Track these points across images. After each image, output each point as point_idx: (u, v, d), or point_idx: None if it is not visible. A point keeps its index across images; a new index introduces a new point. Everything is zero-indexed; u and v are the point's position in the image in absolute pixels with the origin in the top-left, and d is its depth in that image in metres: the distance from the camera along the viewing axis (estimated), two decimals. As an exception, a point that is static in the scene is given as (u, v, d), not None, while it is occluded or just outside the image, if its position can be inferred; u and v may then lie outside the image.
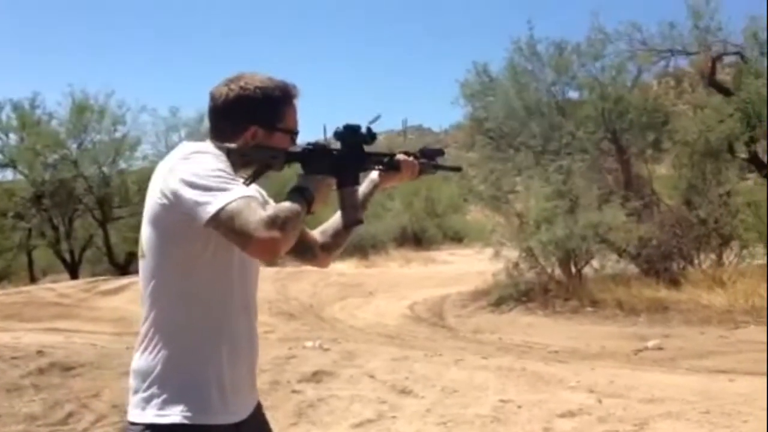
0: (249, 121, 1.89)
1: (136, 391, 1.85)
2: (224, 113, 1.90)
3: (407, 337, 10.13)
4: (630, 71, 14.16)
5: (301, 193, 1.80)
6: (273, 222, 1.63)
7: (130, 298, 14.19)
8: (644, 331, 9.39)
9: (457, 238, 29.86)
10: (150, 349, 1.84)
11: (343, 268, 20.74)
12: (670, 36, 14.03)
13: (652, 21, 22.16)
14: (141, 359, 1.86)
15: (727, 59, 13.83)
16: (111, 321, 12.18)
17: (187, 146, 1.89)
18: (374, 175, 2.17)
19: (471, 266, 16.51)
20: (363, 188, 2.14)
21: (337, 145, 1.96)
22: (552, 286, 11.45)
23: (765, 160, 13.02)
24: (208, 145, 1.88)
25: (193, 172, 1.73)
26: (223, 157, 1.80)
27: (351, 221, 2.00)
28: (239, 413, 1.89)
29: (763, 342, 8.62)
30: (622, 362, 7.94)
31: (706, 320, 9.58)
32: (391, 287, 15.95)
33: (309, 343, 7.74)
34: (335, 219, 2.18)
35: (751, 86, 12.58)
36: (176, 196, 1.73)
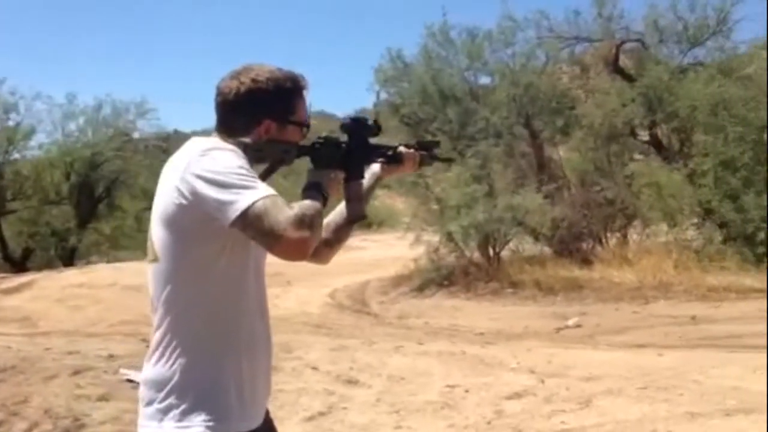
0: (262, 115, 1.81)
1: (149, 402, 1.76)
2: (236, 107, 1.82)
3: (333, 325, 10.10)
4: (539, 58, 14.60)
5: (317, 190, 1.75)
6: (302, 221, 1.58)
7: (34, 296, 13.50)
8: (563, 310, 9.76)
9: (367, 224, 29.99)
10: (166, 357, 1.75)
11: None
12: (576, 23, 14.60)
13: (559, 9, 22.91)
14: (156, 368, 1.77)
15: (629, 46, 14.46)
16: (16, 321, 11.48)
17: (200, 142, 1.81)
18: (376, 167, 2.13)
19: (386, 252, 16.63)
20: (366, 181, 2.10)
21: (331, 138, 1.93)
22: (472, 269, 11.70)
23: (665, 142, 13.73)
24: (221, 141, 1.79)
25: (213, 169, 1.64)
26: (240, 153, 1.73)
27: (357, 215, 1.97)
28: (256, 418, 1.85)
29: (673, 316, 9.19)
30: (545, 341, 8.23)
31: (618, 297, 10.06)
32: (310, 275, 15.76)
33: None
34: (337, 213, 2.14)
35: (652, 72, 13.25)
36: (196, 194, 1.64)
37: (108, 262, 19.20)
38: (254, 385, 1.83)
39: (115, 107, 23.48)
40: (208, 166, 1.66)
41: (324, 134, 1.94)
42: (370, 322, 10.35)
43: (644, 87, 13.27)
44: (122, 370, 5.86)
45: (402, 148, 2.13)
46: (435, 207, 12.58)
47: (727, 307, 9.32)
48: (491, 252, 12.05)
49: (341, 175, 1.88)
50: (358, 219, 2.01)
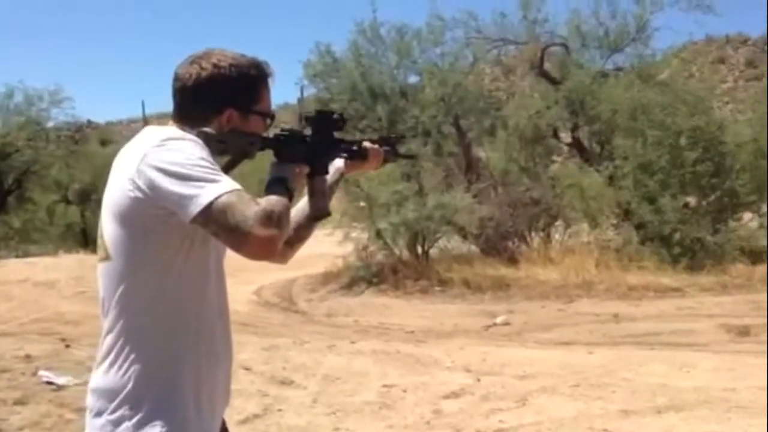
0: (224, 104, 1.69)
1: (99, 413, 1.63)
2: (195, 95, 1.69)
3: (261, 323, 9.90)
4: (467, 58, 14.75)
5: (283, 185, 1.65)
6: (270, 218, 1.47)
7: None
8: (491, 308, 9.89)
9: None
10: (119, 363, 1.62)
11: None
12: (502, 25, 14.80)
13: (487, 10, 23.25)
14: (107, 376, 1.63)
15: (554, 50, 14.78)
16: None
17: (157, 131, 1.68)
18: (340, 163, 2.03)
19: (314, 249, 16.42)
20: (330, 177, 2.01)
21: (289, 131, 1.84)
22: (401, 267, 11.70)
23: (586, 145, 14.13)
24: (179, 131, 1.66)
25: (172, 160, 1.52)
26: (202, 144, 1.61)
27: (321, 212, 1.88)
28: (213, 425, 1.74)
29: (596, 313, 9.45)
30: (475, 339, 8.31)
31: (544, 295, 10.27)
32: (233, 271, 14.97)
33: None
34: (299, 210, 2.02)
35: (575, 76, 13.60)
36: (154, 187, 1.52)
37: (18, 256, 18.23)
38: (213, 393, 1.72)
39: (28, 95, 22.32)
40: (167, 157, 1.53)
41: (288, 126, 1.85)
42: (298, 321, 10.21)
43: (567, 90, 13.62)
44: (41, 372, 5.53)
45: (367, 144, 2.05)
46: (364, 204, 12.51)
47: (647, 305, 9.67)
48: (420, 250, 12.10)
49: (305, 170, 1.78)
50: (322, 216, 1.92)
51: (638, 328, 8.65)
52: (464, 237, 12.43)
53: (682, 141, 11.70)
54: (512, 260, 11.77)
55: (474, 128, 14.08)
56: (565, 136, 14.33)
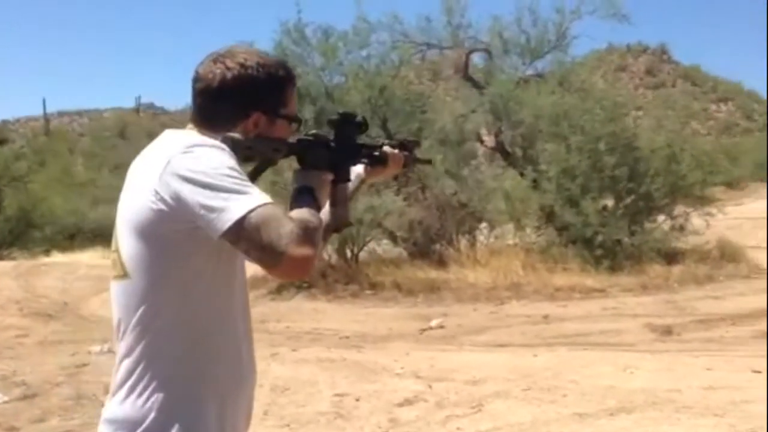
0: (251, 107, 1.58)
1: None
2: (220, 97, 1.56)
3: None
4: (393, 61, 14.76)
5: (311, 194, 1.55)
6: (305, 236, 1.36)
7: None
8: (424, 311, 9.91)
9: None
10: (139, 391, 1.48)
11: (86, 258, 19.07)
12: (427, 30, 14.93)
13: (412, 14, 23.44)
14: (126, 405, 1.49)
15: (480, 55, 15.04)
16: None
17: (180, 136, 1.54)
18: (360, 169, 1.95)
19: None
20: (351, 184, 1.91)
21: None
22: (330, 271, 11.57)
23: (509, 149, 14.42)
24: (203, 136, 1.52)
25: (200, 169, 1.39)
26: (229, 151, 1.48)
27: (343, 221, 1.80)
28: None
29: (527, 315, 9.63)
30: (411, 342, 8.29)
31: (475, 297, 10.38)
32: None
33: (96, 348, 6.93)
34: None
35: (499, 82, 13.87)
36: (179, 199, 1.39)
37: None
38: (237, 419, 1.60)
39: None
40: (193, 166, 1.40)
41: (312, 131, 1.74)
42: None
43: (491, 95, 13.86)
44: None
45: (387, 148, 1.97)
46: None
47: (574, 306, 9.93)
48: (349, 254, 12.01)
49: (330, 177, 1.68)
50: (344, 226, 1.84)
51: (568, 328, 8.87)
52: (394, 240, 12.43)
53: (601, 146, 12.10)
54: (441, 263, 11.86)
55: (401, 131, 14.11)
56: (489, 141, 14.58)
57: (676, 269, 11.33)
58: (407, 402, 5.05)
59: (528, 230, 12.65)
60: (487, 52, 14.95)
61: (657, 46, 65.77)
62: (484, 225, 13.74)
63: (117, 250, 1.54)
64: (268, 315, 10.39)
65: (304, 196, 1.52)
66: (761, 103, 64.78)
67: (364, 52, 14.65)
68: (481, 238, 13.69)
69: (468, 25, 14.83)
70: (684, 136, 13.19)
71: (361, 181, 1.98)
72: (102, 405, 4.53)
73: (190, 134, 1.55)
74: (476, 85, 14.53)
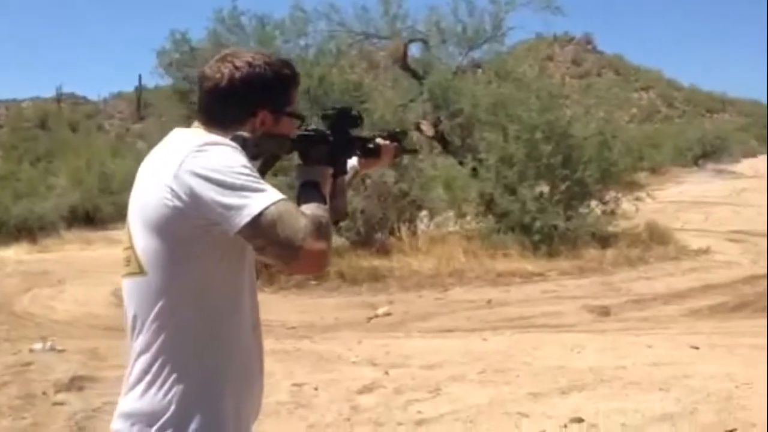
0: (259, 105, 1.61)
1: None
2: (228, 96, 1.59)
3: (129, 326, 9.35)
4: (331, 51, 14.71)
5: (317, 189, 1.60)
6: (320, 230, 1.42)
7: None
8: (370, 300, 9.99)
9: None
10: (158, 385, 1.51)
11: (12, 254, 18.36)
12: (365, 19, 14.95)
13: (349, 3, 23.39)
14: (144, 399, 1.52)
15: (418, 45, 15.16)
16: None
17: (193, 134, 1.57)
18: (354, 161, 2.00)
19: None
20: (347, 177, 1.96)
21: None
22: (273, 261, 11.49)
23: (448, 138, 14.62)
24: (214, 135, 1.56)
25: (214, 167, 1.43)
26: (240, 149, 1.52)
27: (341, 214, 1.86)
28: None
29: (471, 300, 9.83)
30: (359, 331, 8.37)
31: (419, 285, 10.53)
32: (82, 273, 14.56)
33: (37, 346, 6.72)
34: None
35: (437, 71, 14.02)
36: (194, 196, 1.43)
37: None
38: (249, 408, 1.65)
39: None
40: (208, 164, 1.44)
41: (312, 126, 1.79)
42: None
43: (430, 85, 14.00)
44: None
45: (380, 140, 2.02)
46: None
47: (515, 290, 10.20)
48: (290, 243, 11.94)
49: (330, 171, 1.72)
50: (342, 218, 1.90)
51: (511, 312, 9.11)
52: (336, 230, 12.45)
53: (538, 135, 12.41)
54: (384, 252, 11.95)
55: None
56: (428, 130, 14.73)
57: (610, 252, 11.76)
58: (366, 389, 5.11)
59: (468, 217, 12.88)
60: (425, 42, 15.08)
61: (582, 36, 67.66)
62: (424, 213, 13.90)
63: (131, 247, 1.56)
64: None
65: (311, 191, 1.57)
66: (680, 91, 67.50)
67: (301, 42, 14.57)
68: (421, 226, 13.86)
69: (405, 15, 14.95)
70: (614, 124, 13.61)
71: (356, 173, 2.03)
72: (53, 404, 4.43)
73: (200, 133, 1.58)
74: (415, 75, 14.64)
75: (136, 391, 1.53)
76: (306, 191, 1.57)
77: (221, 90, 1.58)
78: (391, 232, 13.09)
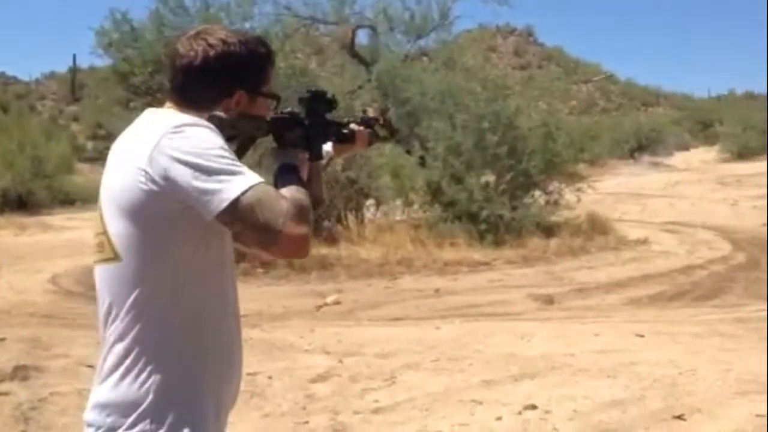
0: (234, 85, 1.58)
1: (112, 430, 1.47)
2: (203, 75, 1.55)
3: (69, 315, 9.06)
4: (277, 34, 14.51)
5: (295, 173, 1.59)
6: (300, 213, 1.40)
7: None
8: (319, 288, 9.93)
9: (68, 201, 27.36)
10: (135, 374, 1.47)
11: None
12: (312, 4, 14.81)
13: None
14: (119, 389, 1.48)
15: (366, 32, 15.09)
16: None
17: (167, 115, 1.52)
18: (328, 146, 1.97)
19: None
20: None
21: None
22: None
23: (395, 126, 14.60)
24: (190, 116, 1.51)
25: (191, 150, 1.39)
26: (217, 131, 1.48)
27: (318, 199, 1.85)
28: None
29: (419, 289, 9.89)
30: (309, 319, 8.31)
31: (368, 273, 10.52)
32: (16, 259, 14.04)
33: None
34: None
35: (385, 59, 14.00)
36: (170, 179, 1.38)
37: None
38: (228, 397, 1.64)
39: None
40: (184, 146, 1.40)
41: (288, 108, 1.76)
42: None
43: (378, 72, 13.97)
44: None
45: (354, 126, 2.00)
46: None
47: (463, 279, 10.30)
48: (238, 231, 11.78)
49: (306, 156, 1.72)
50: (319, 204, 1.88)
51: (459, 301, 9.20)
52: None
53: (485, 125, 12.53)
54: (332, 240, 11.90)
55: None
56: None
57: (553, 242, 12.01)
58: (321, 378, 5.09)
59: (415, 206, 12.94)
60: (372, 28, 15.03)
61: (524, 27, 68.54)
62: (371, 201, 13.89)
63: (104, 232, 1.50)
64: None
65: (289, 174, 1.55)
66: (617, 84, 69.23)
67: (247, 25, 14.32)
68: (368, 214, 13.85)
69: (353, 1, 14.86)
70: (558, 115, 13.87)
71: (330, 158, 2.00)
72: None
73: (174, 113, 1.53)
74: (362, 61, 14.59)
75: (110, 381, 1.48)
76: (283, 175, 1.54)
77: (195, 68, 1.53)
78: (339, 221, 13.05)
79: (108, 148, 1.58)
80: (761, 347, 5.51)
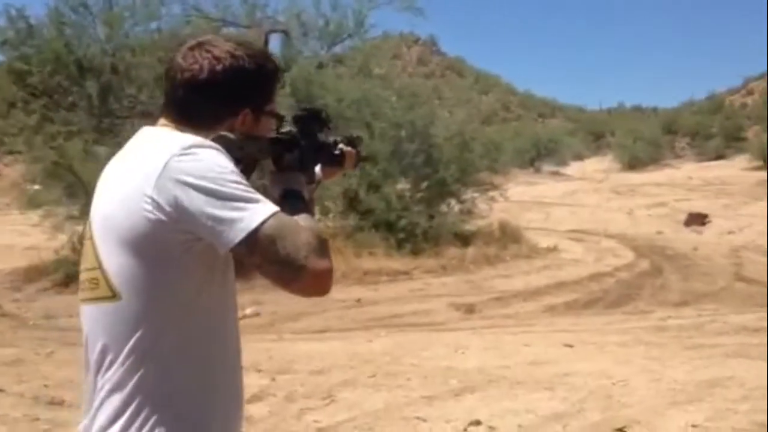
0: (241, 103, 1.41)
1: None
2: (208, 91, 1.38)
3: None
4: (187, 37, 13.99)
5: (302, 200, 1.45)
6: (321, 246, 1.27)
7: None
8: (237, 300, 9.58)
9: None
10: (137, 426, 1.29)
11: None
12: (222, 6, 14.38)
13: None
14: None
15: (276, 37, 14.76)
16: None
17: (171, 135, 1.33)
18: (317, 169, 1.82)
19: (9, 240, 14.41)
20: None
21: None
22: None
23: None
24: (195, 137, 1.32)
25: (203, 174, 1.23)
26: (225, 152, 1.31)
27: None
28: None
29: (341, 300, 9.73)
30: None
31: (287, 284, 10.24)
32: None
33: None
34: None
35: (300, 65, 13.75)
36: (180, 207, 1.22)
37: None
38: None
39: None
40: (195, 170, 1.24)
41: (287, 128, 1.60)
42: (9, 326, 8.80)
43: (293, 78, 13.69)
44: None
45: (343, 146, 1.86)
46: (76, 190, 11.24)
47: (383, 289, 10.24)
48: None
49: (303, 179, 1.55)
50: None
51: (382, 311, 9.13)
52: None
53: (402, 133, 12.55)
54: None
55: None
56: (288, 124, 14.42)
57: (470, 251, 12.15)
58: (255, 398, 4.85)
59: (332, 215, 12.77)
60: (286, 33, 14.74)
61: (427, 37, 69.78)
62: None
63: (99, 267, 1.29)
64: (55, 310, 9.40)
65: (296, 201, 1.41)
66: (516, 95, 71.57)
67: (153, 25, 13.73)
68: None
69: (265, 4, 14.55)
70: (473, 125, 14.08)
71: (319, 182, 1.85)
72: None
73: (178, 133, 1.34)
74: (276, 67, 14.28)
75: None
76: (292, 201, 1.39)
77: (200, 83, 1.36)
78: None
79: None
80: (685, 355, 5.71)
